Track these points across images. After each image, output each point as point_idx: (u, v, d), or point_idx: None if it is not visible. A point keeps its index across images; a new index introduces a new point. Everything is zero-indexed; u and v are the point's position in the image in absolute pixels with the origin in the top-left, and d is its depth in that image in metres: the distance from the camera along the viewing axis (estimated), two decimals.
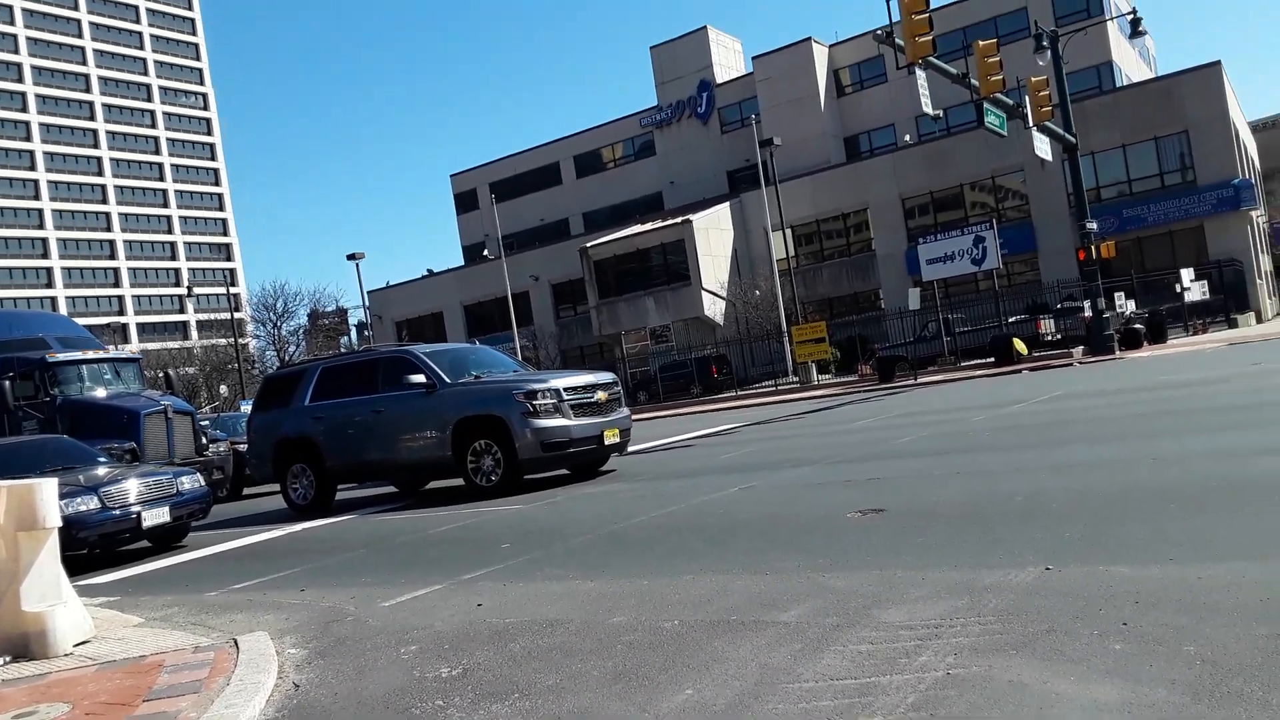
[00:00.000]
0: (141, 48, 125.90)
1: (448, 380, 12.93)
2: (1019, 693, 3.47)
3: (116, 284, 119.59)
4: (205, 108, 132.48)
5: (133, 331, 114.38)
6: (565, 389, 12.58)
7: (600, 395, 13.02)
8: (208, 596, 8.02)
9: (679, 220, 49.65)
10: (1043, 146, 28.36)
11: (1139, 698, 3.28)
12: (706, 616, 5.13)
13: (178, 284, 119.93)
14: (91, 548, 11.02)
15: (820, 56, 55.55)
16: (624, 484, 12.12)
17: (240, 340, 62.40)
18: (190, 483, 11.98)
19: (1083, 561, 5.14)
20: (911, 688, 3.65)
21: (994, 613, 4.45)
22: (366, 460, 13.68)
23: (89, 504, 10.64)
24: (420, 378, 12.87)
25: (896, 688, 3.68)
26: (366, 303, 59.84)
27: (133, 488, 11.17)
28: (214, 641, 5.93)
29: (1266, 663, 3.44)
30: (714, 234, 49.90)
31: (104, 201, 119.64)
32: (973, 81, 23.92)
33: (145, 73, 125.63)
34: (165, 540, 12.00)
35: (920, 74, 22.51)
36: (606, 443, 12.87)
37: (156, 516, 11.17)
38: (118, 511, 10.85)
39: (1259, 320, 39.47)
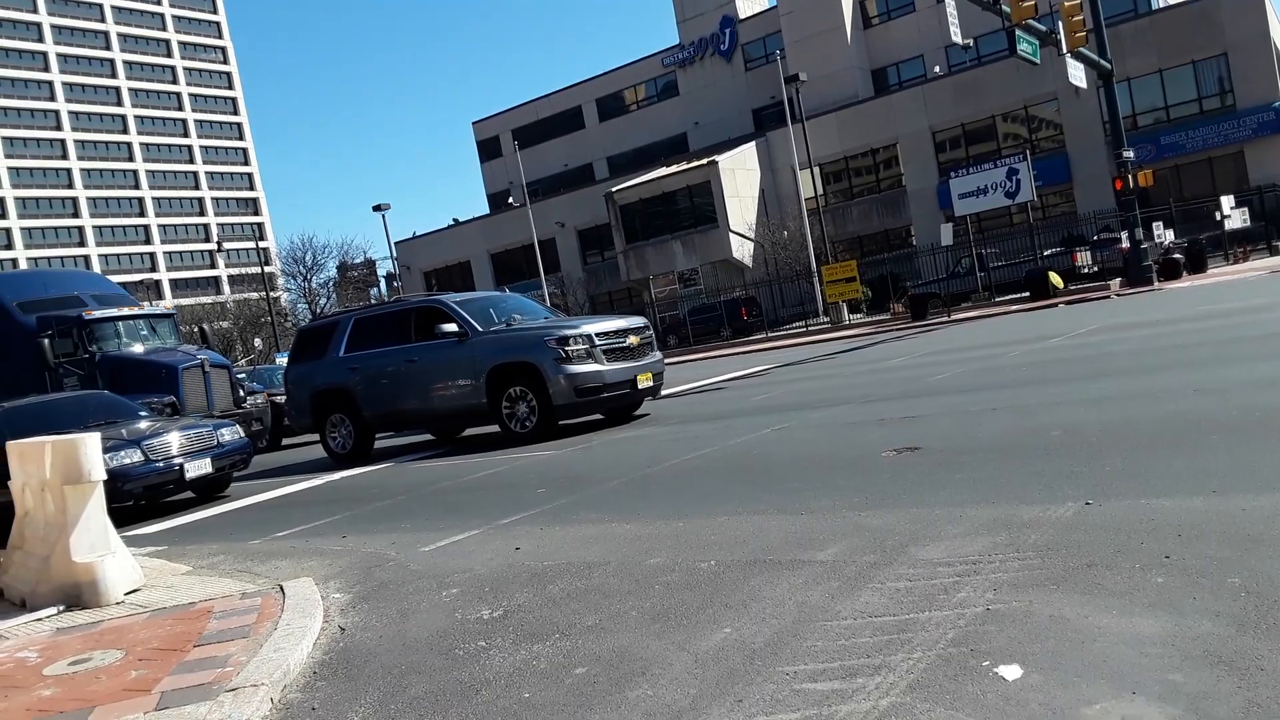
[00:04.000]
0: (159, 3, 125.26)
1: (479, 328, 12.96)
2: (1060, 627, 3.46)
3: (148, 240, 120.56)
4: (225, 62, 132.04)
5: (166, 287, 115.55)
6: (597, 334, 12.58)
7: (632, 340, 13.02)
8: (252, 544, 8.18)
9: (704, 161, 49.08)
10: (1077, 74, 27.63)
11: (1183, 630, 3.26)
12: (743, 556, 5.15)
13: (208, 239, 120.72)
14: (137, 499, 11.28)
15: None
16: (658, 428, 12.16)
17: (272, 294, 62.87)
18: (230, 434, 12.18)
19: (1123, 495, 5.09)
20: (951, 624, 3.65)
21: (1033, 548, 4.43)
22: (402, 409, 13.81)
23: (132, 457, 10.86)
24: (452, 326, 12.92)
25: (935, 624, 3.68)
26: (394, 254, 60.00)
27: (174, 440, 11.38)
28: (260, 588, 6.06)
29: None
30: (740, 174, 49.31)
31: (130, 159, 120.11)
32: (1003, 8, 23.25)
33: (164, 28, 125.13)
34: (208, 491, 12.25)
35: (949, 1, 21.94)
36: (640, 387, 12.90)
37: (199, 468, 11.39)
38: (161, 464, 11.07)
39: None
